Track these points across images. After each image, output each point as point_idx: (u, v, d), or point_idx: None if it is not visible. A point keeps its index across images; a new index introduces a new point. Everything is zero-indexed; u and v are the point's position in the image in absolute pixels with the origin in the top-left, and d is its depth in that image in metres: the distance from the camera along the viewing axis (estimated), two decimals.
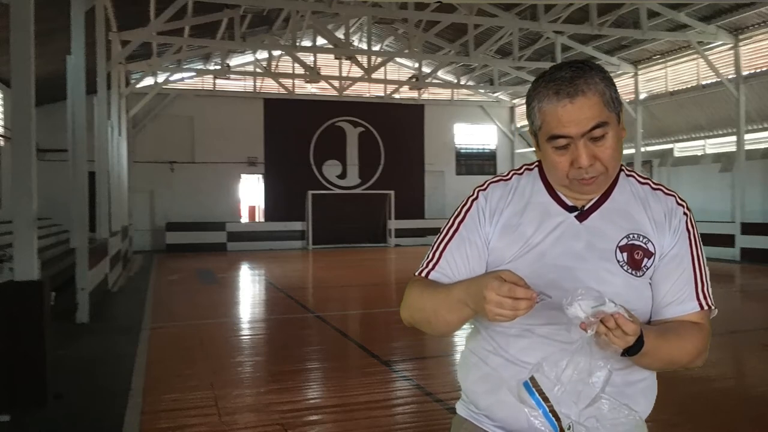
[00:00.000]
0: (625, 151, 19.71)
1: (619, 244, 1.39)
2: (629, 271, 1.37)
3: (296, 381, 5.41)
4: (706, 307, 1.39)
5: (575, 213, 1.42)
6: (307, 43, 19.72)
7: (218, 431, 4.15)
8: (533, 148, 1.46)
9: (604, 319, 1.18)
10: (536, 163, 1.50)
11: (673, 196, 1.44)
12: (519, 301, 1.18)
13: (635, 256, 1.38)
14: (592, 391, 1.27)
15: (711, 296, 1.41)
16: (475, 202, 1.47)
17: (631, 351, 1.23)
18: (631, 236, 1.39)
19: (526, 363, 1.37)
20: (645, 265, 1.38)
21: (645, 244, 1.39)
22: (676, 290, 1.39)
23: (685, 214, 1.42)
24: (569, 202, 1.43)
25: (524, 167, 1.52)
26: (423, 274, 1.47)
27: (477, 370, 1.46)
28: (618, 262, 1.37)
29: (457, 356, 5.58)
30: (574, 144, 1.32)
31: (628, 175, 1.47)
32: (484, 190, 1.48)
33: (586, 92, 1.30)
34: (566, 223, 1.41)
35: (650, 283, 1.40)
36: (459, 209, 1.49)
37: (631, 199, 1.43)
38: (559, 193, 1.44)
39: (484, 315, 1.23)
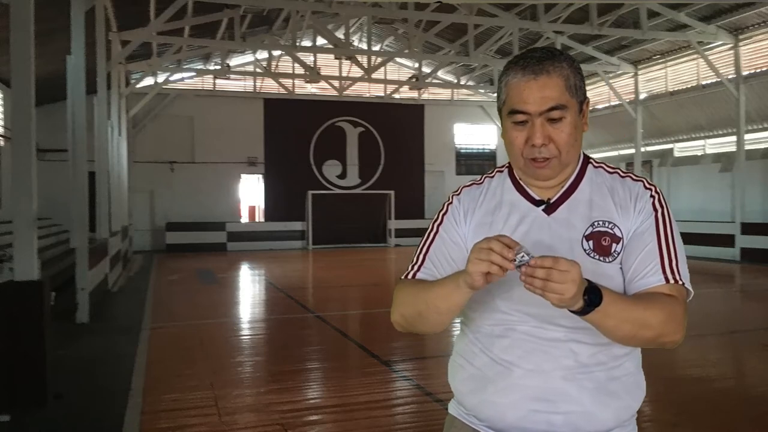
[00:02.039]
0: (625, 151, 19.77)
1: (585, 234, 1.40)
2: (597, 258, 1.38)
3: (296, 381, 5.41)
4: (673, 281, 1.34)
5: (542, 206, 1.45)
6: (307, 43, 19.72)
7: (218, 431, 4.16)
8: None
9: (529, 271, 1.18)
10: (507, 165, 1.55)
11: (642, 181, 1.46)
12: (493, 254, 1.20)
13: (603, 242, 1.39)
14: None
15: (681, 273, 1.35)
16: (450, 206, 1.54)
17: (591, 302, 1.21)
18: (595, 224, 1.40)
19: (508, 362, 1.40)
20: (615, 251, 1.39)
21: (611, 229, 1.40)
22: (640, 265, 1.37)
23: (652, 196, 1.42)
24: (536, 197, 1.46)
25: (495, 170, 1.58)
26: (409, 276, 1.50)
27: (463, 371, 1.49)
28: (585, 250, 1.38)
29: None
30: (531, 121, 1.37)
31: (596, 167, 1.49)
32: (458, 194, 1.55)
33: (551, 72, 1.36)
34: (534, 217, 1.44)
35: (621, 268, 1.40)
36: (437, 214, 1.56)
37: (598, 189, 1.45)
38: (527, 188, 1.47)
39: (470, 279, 1.24)
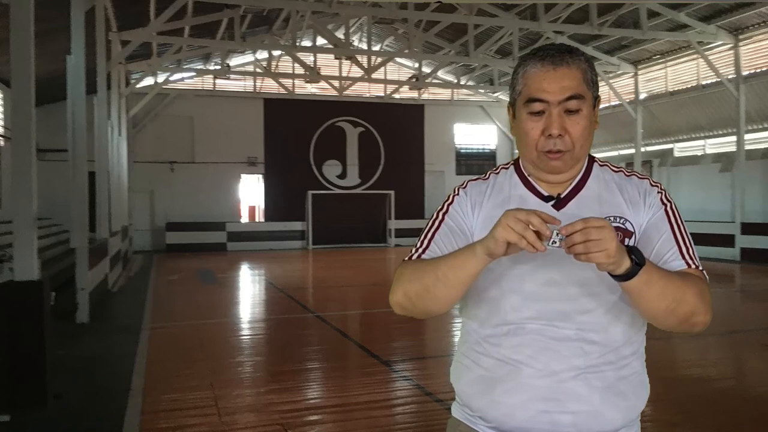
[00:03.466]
0: (625, 151, 19.77)
1: None
2: None
3: (296, 381, 5.40)
4: (693, 266, 1.37)
5: (552, 202, 1.45)
6: (307, 43, 19.72)
7: (218, 431, 4.16)
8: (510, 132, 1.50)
9: (567, 241, 1.16)
10: (512, 161, 1.55)
11: (647, 179, 1.48)
12: (532, 217, 1.17)
13: None
14: None
15: (697, 260, 1.39)
16: (456, 197, 1.52)
17: (639, 261, 1.21)
18: (608, 219, 1.40)
19: (517, 361, 1.38)
20: (627, 246, 1.39)
21: (623, 224, 1.41)
22: (660, 252, 1.38)
23: (659, 192, 1.45)
24: (545, 192, 1.46)
25: (500, 167, 1.57)
26: (413, 258, 1.47)
27: (470, 372, 1.47)
28: None
29: None
30: (548, 111, 1.37)
31: (601, 165, 1.51)
32: (464, 187, 1.54)
33: (570, 64, 1.38)
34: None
35: None
36: (442, 205, 1.54)
37: (606, 186, 1.46)
38: (535, 185, 1.47)
39: (492, 243, 1.21)
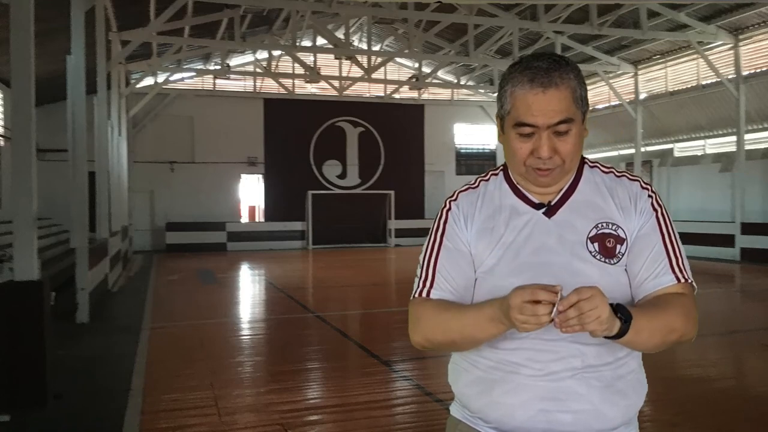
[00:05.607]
0: (625, 151, 19.79)
1: (589, 235, 1.40)
2: (603, 260, 1.39)
3: (296, 381, 5.41)
4: (683, 280, 1.39)
5: (543, 209, 1.44)
6: (307, 43, 19.73)
7: (218, 431, 4.16)
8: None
9: (562, 317, 1.18)
10: (501, 167, 1.54)
11: (638, 180, 1.47)
12: (538, 307, 1.18)
13: (607, 244, 1.40)
14: None
15: (687, 270, 1.41)
16: (449, 212, 1.50)
17: (626, 318, 1.23)
18: (600, 225, 1.41)
19: (515, 364, 1.39)
20: (619, 252, 1.40)
21: (615, 230, 1.41)
22: (650, 266, 1.39)
23: (650, 196, 1.44)
24: (536, 200, 1.45)
25: (490, 173, 1.55)
26: (423, 295, 1.46)
27: (468, 374, 1.47)
28: (590, 252, 1.39)
29: None
30: (538, 134, 1.36)
31: (592, 167, 1.50)
32: (455, 200, 1.51)
33: (559, 85, 1.34)
34: (535, 220, 1.43)
35: (626, 270, 1.41)
36: (436, 223, 1.51)
37: (597, 190, 1.46)
38: (525, 192, 1.46)
39: (516, 327, 1.24)
